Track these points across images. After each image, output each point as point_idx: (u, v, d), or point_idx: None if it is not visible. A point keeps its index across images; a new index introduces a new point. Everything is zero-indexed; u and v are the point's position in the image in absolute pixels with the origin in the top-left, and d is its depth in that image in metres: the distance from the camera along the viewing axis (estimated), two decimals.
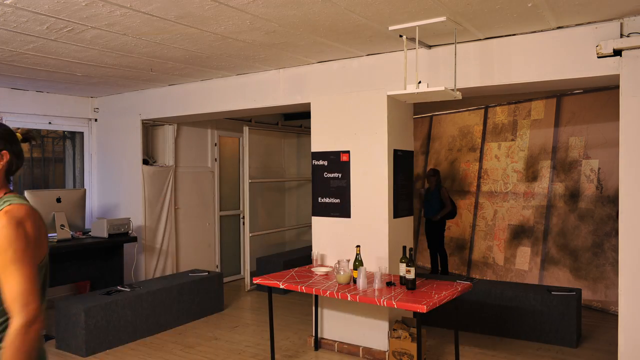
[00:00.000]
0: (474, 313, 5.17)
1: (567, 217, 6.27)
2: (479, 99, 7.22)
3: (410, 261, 3.83)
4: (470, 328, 5.19)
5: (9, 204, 1.70)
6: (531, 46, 3.86)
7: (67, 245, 5.22)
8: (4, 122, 6.03)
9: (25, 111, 6.24)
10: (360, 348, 4.60)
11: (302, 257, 6.96)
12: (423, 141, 8.21)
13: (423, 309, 3.34)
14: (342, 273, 4.04)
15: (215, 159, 7.53)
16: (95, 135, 6.99)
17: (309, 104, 5.00)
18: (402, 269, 3.97)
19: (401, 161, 4.68)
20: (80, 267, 5.70)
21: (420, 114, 8.16)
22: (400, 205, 4.66)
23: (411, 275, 3.81)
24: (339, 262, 4.11)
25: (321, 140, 4.87)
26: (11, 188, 1.83)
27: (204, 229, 7.33)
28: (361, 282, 3.90)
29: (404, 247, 4.02)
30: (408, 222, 4.81)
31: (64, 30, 3.73)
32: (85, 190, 5.79)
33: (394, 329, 4.32)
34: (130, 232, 5.84)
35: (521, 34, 3.90)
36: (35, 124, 6.44)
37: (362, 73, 4.66)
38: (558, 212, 6.37)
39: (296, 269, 4.42)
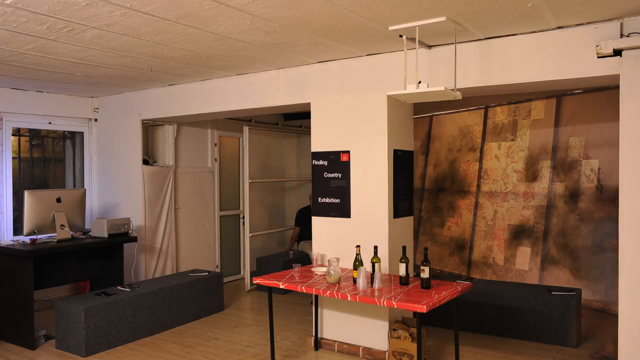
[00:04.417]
0: (474, 313, 5.16)
1: (567, 217, 6.27)
2: (479, 99, 7.22)
3: (425, 260, 3.83)
4: (470, 328, 5.19)
5: None
6: (531, 46, 3.86)
7: (67, 245, 5.22)
8: (4, 122, 6.03)
9: (25, 111, 6.25)
10: (360, 348, 4.60)
11: (302, 257, 6.96)
12: (423, 141, 8.20)
13: (423, 309, 3.34)
14: (332, 273, 4.03)
15: (215, 159, 7.53)
16: (95, 135, 6.99)
17: (309, 104, 5.00)
18: (402, 268, 3.97)
19: (401, 161, 4.67)
20: (80, 267, 5.70)
21: (420, 114, 8.16)
22: (400, 205, 4.66)
23: (425, 275, 3.81)
24: (329, 261, 4.10)
25: (321, 140, 4.87)
26: None
27: (204, 229, 7.33)
28: (361, 282, 3.89)
29: (404, 247, 4.02)
30: (408, 222, 4.81)
31: (64, 30, 3.73)
32: (85, 190, 5.79)
33: (394, 329, 4.32)
34: (130, 232, 5.84)
35: (521, 34, 3.90)
36: (35, 124, 6.44)
37: (362, 73, 4.66)
38: (558, 212, 6.37)
39: (296, 269, 4.42)
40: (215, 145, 7.51)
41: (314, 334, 4.87)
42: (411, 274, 4.28)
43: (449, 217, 7.54)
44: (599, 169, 6.04)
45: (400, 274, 3.98)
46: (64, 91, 6.41)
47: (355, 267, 4.05)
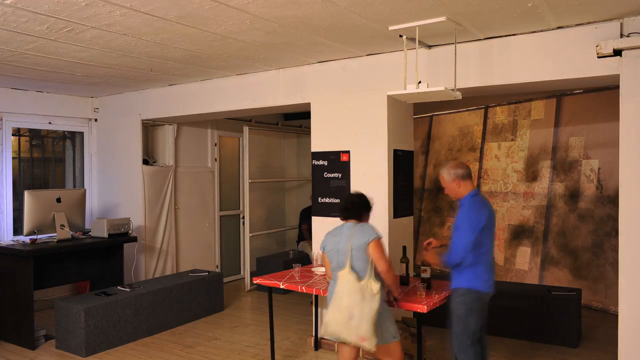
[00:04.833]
0: None
1: (567, 217, 6.27)
2: (479, 99, 7.22)
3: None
4: None
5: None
6: (531, 46, 3.86)
7: (67, 245, 5.22)
8: (4, 122, 6.03)
9: (25, 111, 6.24)
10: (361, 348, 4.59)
11: (302, 257, 6.95)
12: (423, 141, 8.20)
13: (423, 309, 3.34)
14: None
15: (215, 159, 7.52)
16: (95, 135, 6.99)
17: (309, 104, 5.00)
18: (402, 269, 3.97)
19: (401, 161, 4.67)
20: (80, 267, 5.70)
21: (420, 114, 8.16)
22: (400, 205, 4.66)
23: (427, 275, 3.82)
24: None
25: (321, 140, 4.86)
26: None
27: (204, 229, 7.32)
28: None
29: (404, 247, 4.02)
30: (408, 222, 4.81)
31: (64, 30, 3.73)
32: (85, 190, 5.79)
33: None
34: (130, 232, 5.84)
35: (521, 34, 3.90)
36: (35, 124, 6.44)
37: (362, 73, 4.66)
38: (558, 212, 6.37)
39: (296, 269, 4.42)
40: (215, 145, 7.51)
41: (314, 334, 4.86)
42: (411, 274, 4.28)
43: (449, 217, 7.53)
44: (599, 169, 6.04)
45: (401, 274, 3.98)
46: (64, 91, 6.41)
47: None
